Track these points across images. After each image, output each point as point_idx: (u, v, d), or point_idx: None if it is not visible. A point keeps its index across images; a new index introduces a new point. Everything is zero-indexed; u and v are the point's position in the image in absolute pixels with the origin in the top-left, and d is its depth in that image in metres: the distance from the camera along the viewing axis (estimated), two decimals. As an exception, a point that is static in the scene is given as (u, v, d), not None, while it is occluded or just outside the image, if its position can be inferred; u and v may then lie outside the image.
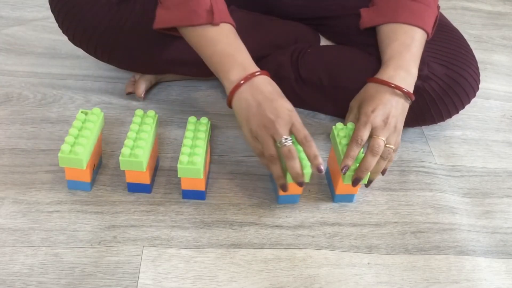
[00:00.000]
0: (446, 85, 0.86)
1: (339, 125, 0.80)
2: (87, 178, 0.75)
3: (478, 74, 0.90)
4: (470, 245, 0.76)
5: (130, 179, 0.75)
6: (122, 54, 0.89)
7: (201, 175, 0.72)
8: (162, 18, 0.77)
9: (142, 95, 0.95)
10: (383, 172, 0.77)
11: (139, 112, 0.78)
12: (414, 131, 0.97)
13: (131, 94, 0.97)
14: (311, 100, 0.95)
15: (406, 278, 0.70)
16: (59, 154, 0.70)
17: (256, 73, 0.73)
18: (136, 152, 0.71)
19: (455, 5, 1.52)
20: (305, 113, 0.98)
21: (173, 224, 0.73)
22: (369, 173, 0.73)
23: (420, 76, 0.85)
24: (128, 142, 0.72)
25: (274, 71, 0.95)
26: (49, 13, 0.93)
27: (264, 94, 0.72)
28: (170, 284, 0.66)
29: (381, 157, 0.74)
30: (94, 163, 0.77)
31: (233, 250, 0.71)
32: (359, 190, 0.81)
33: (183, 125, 0.92)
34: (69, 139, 0.71)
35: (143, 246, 0.70)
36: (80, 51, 1.00)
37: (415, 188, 0.85)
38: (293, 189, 0.77)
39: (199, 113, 0.96)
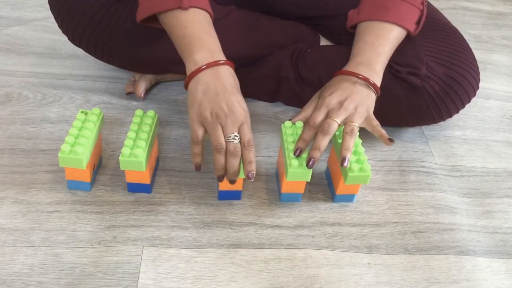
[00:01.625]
0: (446, 84, 0.86)
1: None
2: (87, 178, 0.75)
3: (478, 73, 0.90)
4: (470, 245, 0.76)
5: (130, 179, 0.75)
6: (122, 53, 0.89)
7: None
8: (139, 11, 0.77)
9: (142, 95, 0.95)
10: (344, 156, 0.73)
11: (138, 112, 0.78)
12: (414, 131, 0.97)
13: (131, 94, 0.97)
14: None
15: (406, 278, 0.70)
16: (59, 154, 0.70)
17: (221, 62, 0.73)
18: (136, 152, 0.71)
19: (455, 5, 1.52)
20: (305, 113, 0.98)
21: (173, 224, 0.73)
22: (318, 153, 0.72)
23: (419, 76, 0.85)
24: (128, 142, 0.72)
25: (274, 71, 0.95)
26: (49, 13, 0.93)
27: (224, 85, 0.71)
28: (170, 284, 0.66)
29: (346, 133, 0.73)
30: (94, 163, 0.77)
31: (233, 250, 0.71)
32: (359, 190, 0.81)
33: (183, 125, 0.92)
34: (69, 139, 0.71)
35: (143, 246, 0.70)
36: (80, 51, 1.00)
37: (415, 188, 0.85)
38: (294, 187, 0.77)
39: (199, 113, 0.96)
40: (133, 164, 0.72)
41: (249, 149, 0.70)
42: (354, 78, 0.78)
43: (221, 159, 0.71)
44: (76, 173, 0.74)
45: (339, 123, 0.74)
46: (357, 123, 0.75)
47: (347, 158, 0.72)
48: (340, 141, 0.77)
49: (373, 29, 0.83)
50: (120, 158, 0.71)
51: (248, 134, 0.71)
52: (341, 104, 0.75)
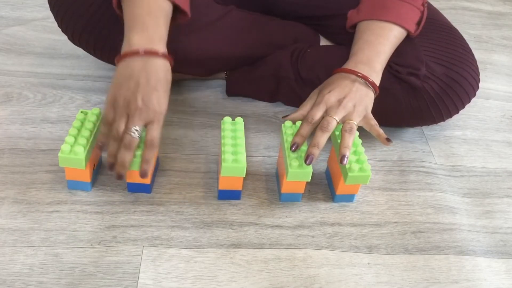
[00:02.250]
0: (445, 84, 0.86)
1: (339, 125, 0.80)
2: (87, 178, 0.75)
3: (477, 73, 0.90)
4: (470, 245, 0.76)
5: (130, 179, 0.75)
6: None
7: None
8: None
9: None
10: (343, 152, 0.73)
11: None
12: (414, 131, 0.97)
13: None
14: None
15: (406, 278, 0.70)
16: (59, 154, 0.70)
17: (160, 55, 0.70)
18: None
19: (455, 5, 1.52)
20: (305, 113, 0.98)
21: (173, 224, 0.73)
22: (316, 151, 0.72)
23: (419, 76, 0.85)
24: (69, 139, 0.72)
25: (274, 71, 0.95)
26: (49, 13, 0.93)
27: (149, 78, 0.69)
28: (170, 284, 0.66)
29: (345, 131, 0.74)
30: (94, 163, 0.77)
31: (233, 250, 0.71)
32: (359, 190, 0.81)
33: (183, 125, 0.92)
34: (69, 139, 0.71)
35: (143, 246, 0.70)
36: (80, 51, 1.00)
37: (415, 188, 0.85)
38: (294, 187, 0.77)
39: (199, 113, 0.96)
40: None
41: (150, 148, 0.69)
42: (354, 76, 0.78)
43: (113, 146, 0.69)
44: (76, 173, 0.74)
45: (338, 120, 0.74)
46: (355, 121, 0.75)
47: (346, 156, 0.72)
48: (339, 141, 0.77)
49: (373, 28, 0.83)
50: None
51: (153, 134, 0.69)
52: (340, 102, 0.75)
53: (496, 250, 0.76)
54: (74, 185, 0.76)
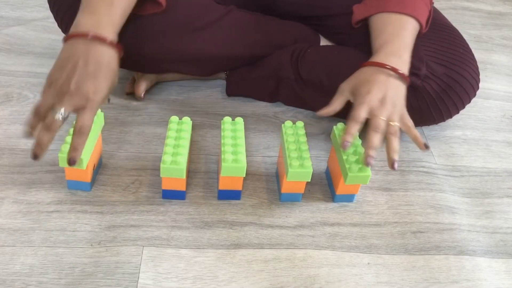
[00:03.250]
0: (446, 84, 0.86)
1: (340, 125, 0.80)
2: (87, 178, 0.75)
3: (477, 73, 0.90)
4: (470, 245, 0.76)
5: (166, 186, 0.75)
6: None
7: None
8: None
9: (142, 95, 0.95)
10: (391, 155, 0.72)
11: (174, 119, 0.79)
12: (414, 131, 0.97)
13: (131, 94, 0.97)
14: (311, 100, 0.95)
15: (406, 278, 0.70)
16: (59, 154, 0.70)
17: (107, 42, 0.67)
18: (178, 160, 0.71)
19: (455, 5, 1.52)
20: (305, 113, 0.98)
21: (173, 224, 0.73)
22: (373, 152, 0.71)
23: (419, 76, 0.85)
24: (168, 149, 0.72)
25: (274, 71, 0.95)
26: (49, 13, 0.93)
27: (88, 65, 0.65)
28: (170, 284, 0.66)
29: (390, 133, 0.72)
30: (94, 163, 0.77)
31: (233, 250, 0.71)
32: (359, 190, 0.81)
33: (183, 125, 0.92)
34: (69, 139, 0.71)
35: (143, 246, 0.70)
36: (80, 51, 1.00)
37: (415, 188, 0.85)
38: (294, 187, 0.77)
39: (199, 113, 0.96)
40: (173, 171, 0.71)
41: (79, 136, 0.65)
42: (386, 71, 0.76)
43: (34, 123, 0.65)
44: (77, 173, 0.74)
45: (385, 120, 0.73)
46: (396, 122, 0.73)
47: (396, 160, 0.71)
48: (340, 141, 0.77)
49: (393, 20, 0.82)
50: (161, 165, 0.71)
51: (84, 121, 0.64)
52: (381, 101, 0.74)
53: (496, 250, 0.76)
54: (74, 185, 0.76)
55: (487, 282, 0.71)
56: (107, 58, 0.67)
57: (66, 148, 0.70)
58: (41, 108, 0.65)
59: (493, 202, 0.85)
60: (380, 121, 0.72)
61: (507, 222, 0.81)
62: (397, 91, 0.76)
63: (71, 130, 0.73)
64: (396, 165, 0.71)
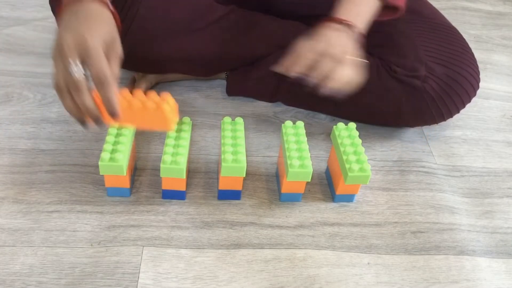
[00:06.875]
0: (446, 84, 0.86)
1: (340, 125, 0.80)
2: (126, 184, 0.74)
3: (477, 72, 0.90)
4: (470, 245, 0.76)
5: (166, 186, 0.75)
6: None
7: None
8: None
9: (142, 95, 0.95)
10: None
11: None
12: (414, 131, 0.97)
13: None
14: (311, 100, 0.95)
15: (406, 278, 0.70)
16: (100, 163, 0.69)
17: (96, 1, 0.64)
18: (178, 160, 0.71)
19: (455, 5, 1.52)
20: (305, 113, 0.98)
21: (173, 224, 0.73)
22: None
23: (419, 77, 0.85)
24: (168, 149, 0.72)
25: (274, 71, 0.95)
26: (49, 13, 0.93)
27: (79, 18, 0.62)
28: (170, 284, 0.66)
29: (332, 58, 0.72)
30: (131, 169, 0.77)
31: (233, 250, 0.71)
32: (359, 190, 0.81)
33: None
34: (107, 147, 0.71)
35: (143, 246, 0.70)
36: (80, 51, 1.00)
37: (415, 188, 0.85)
38: (294, 187, 0.77)
39: (199, 113, 0.96)
40: (173, 171, 0.71)
41: (101, 86, 0.61)
42: (333, 24, 0.77)
43: (65, 99, 0.63)
44: (116, 180, 0.73)
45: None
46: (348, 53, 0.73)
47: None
48: (340, 141, 0.77)
49: None
50: (161, 165, 0.71)
51: (95, 69, 0.60)
52: (326, 46, 0.74)
53: (496, 250, 0.76)
54: (114, 192, 0.76)
55: (487, 282, 0.71)
56: (97, 11, 0.64)
57: (106, 156, 0.70)
58: (55, 76, 0.61)
59: (493, 202, 0.85)
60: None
61: (507, 222, 0.81)
62: (340, 39, 0.75)
63: (110, 130, 0.72)
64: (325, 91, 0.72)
